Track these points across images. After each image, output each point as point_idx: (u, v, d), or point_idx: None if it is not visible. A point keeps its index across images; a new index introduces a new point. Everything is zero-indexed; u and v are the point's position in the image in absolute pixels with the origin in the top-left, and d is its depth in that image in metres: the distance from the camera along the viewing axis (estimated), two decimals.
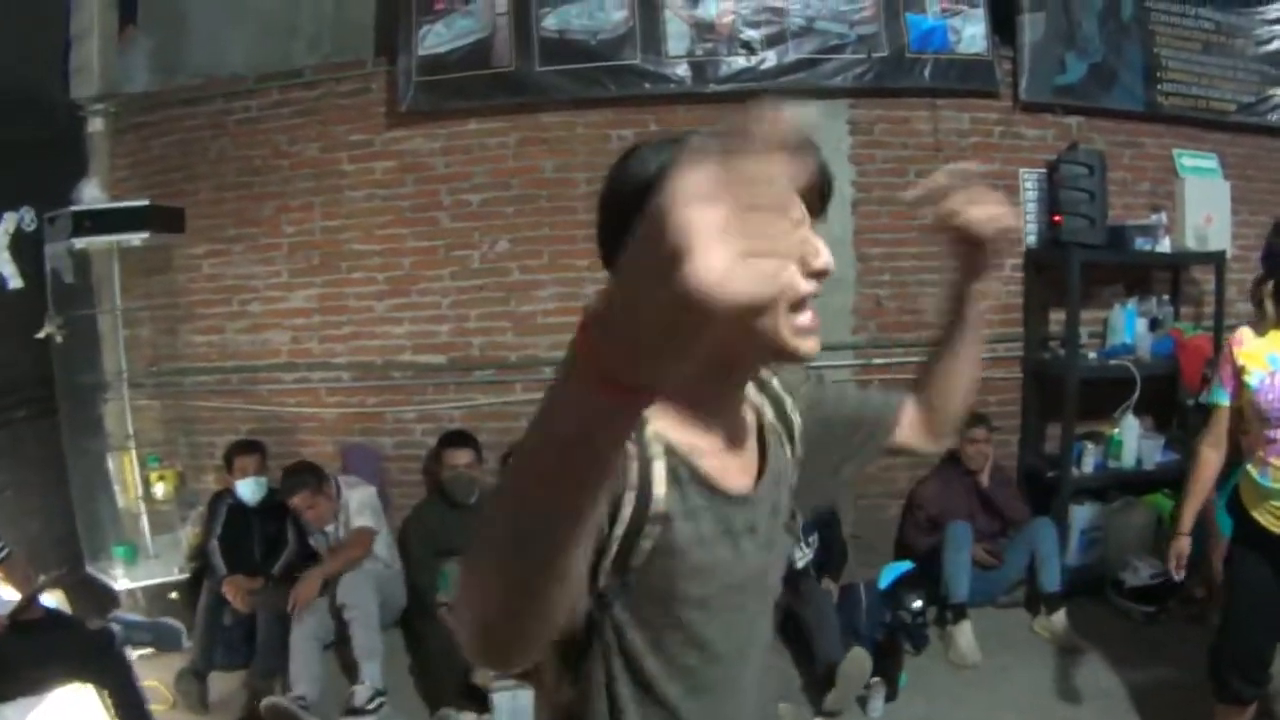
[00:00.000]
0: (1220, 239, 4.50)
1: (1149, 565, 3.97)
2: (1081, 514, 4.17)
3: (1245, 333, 2.56)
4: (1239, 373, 2.52)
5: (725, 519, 0.92)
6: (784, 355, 0.88)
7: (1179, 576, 2.76)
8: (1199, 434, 2.71)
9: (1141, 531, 4.21)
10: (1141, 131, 4.49)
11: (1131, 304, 4.28)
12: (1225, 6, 4.81)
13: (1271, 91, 4.94)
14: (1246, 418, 2.55)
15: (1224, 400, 2.58)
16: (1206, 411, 2.70)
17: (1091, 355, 4.16)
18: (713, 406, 0.94)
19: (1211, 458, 2.63)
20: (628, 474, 0.85)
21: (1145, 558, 4.04)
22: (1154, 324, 4.33)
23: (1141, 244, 4.11)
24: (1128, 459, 4.19)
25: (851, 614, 3.55)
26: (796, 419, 1.08)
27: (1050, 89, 4.18)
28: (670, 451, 0.89)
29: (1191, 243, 4.40)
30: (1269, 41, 4.97)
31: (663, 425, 0.89)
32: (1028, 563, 3.86)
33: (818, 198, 0.92)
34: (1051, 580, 3.77)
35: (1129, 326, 4.23)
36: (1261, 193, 4.92)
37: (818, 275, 0.86)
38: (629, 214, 0.80)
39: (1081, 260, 3.96)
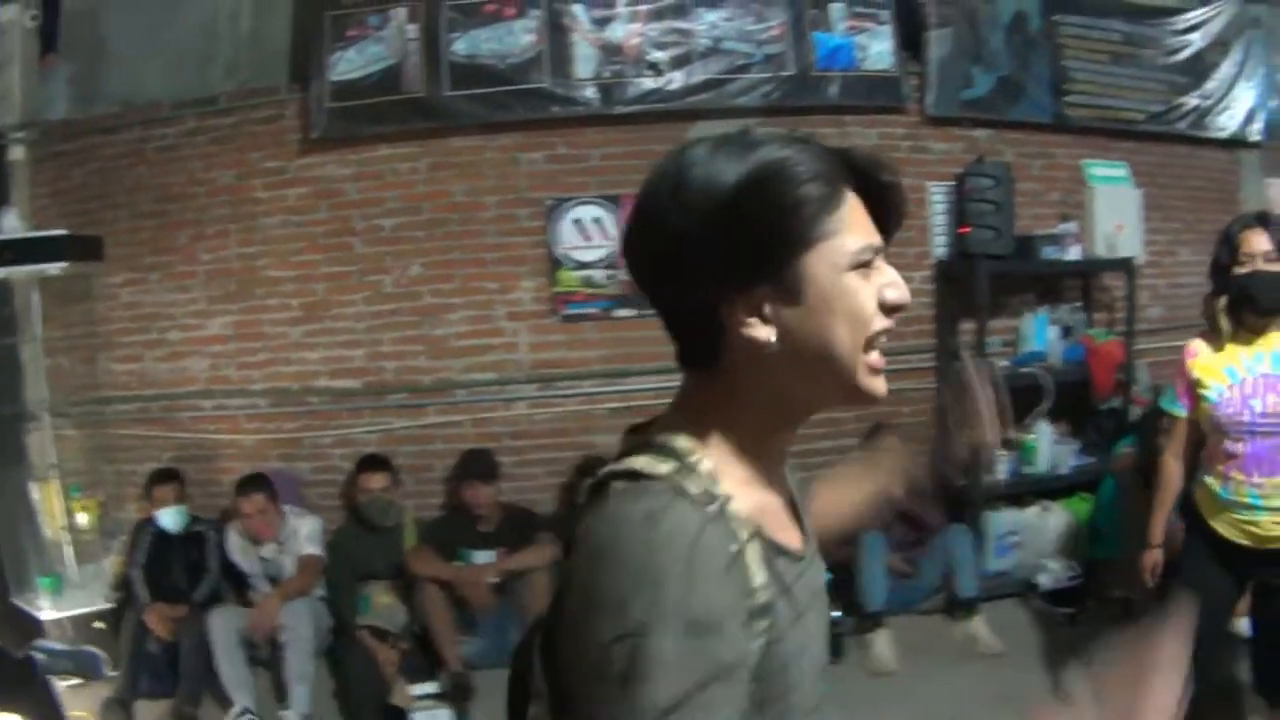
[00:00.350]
0: (1131, 246, 4.53)
1: (1066, 568, 4.06)
2: (998, 520, 4.19)
3: (1199, 345, 2.56)
4: (1194, 386, 2.53)
5: (803, 584, 0.84)
6: (856, 396, 0.82)
7: (1152, 581, 2.75)
8: (1163, 443, 2.71)
9: (1058, 535, 4.26)
10: (1051, 142, 4.54)
11: (1043, 312, 4.33)
12: (1134, 18, 4.87)
13: (1180, 100, 5.00)
14: (1205, 430, 2.56)
15: (1180, 411, 2.59)
16: (1164, 420, 2.71)
17: (1003, 363, 4.18)
18: (773, 455, 0.87)
19: (1175, 469, 2.65)
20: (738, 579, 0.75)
21: (1062, 561, 4.12)
22: (1066, 331, 4.38)
23: (1050, 253, 4.15)
24: (1042, 464, 4.24)
25: None
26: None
27: (958, 103, 4.22)
28: (758, 532, 0.79)
29: (1102, 250, 4.43)
30: (1178, 51, 5.03)
31: (735, 491, 0.79)
32: (945, 570, 3.89)
33: (892, 222, 0.86)
34: (968, 586, 3.81)
35: (1040, 334, 4.27)
36: (1173, 199, 4.99)
37: (894, 310, 0.82)
38: (715, 226, 0.77)
39: (989, 271, 4.00)
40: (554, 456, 4.04)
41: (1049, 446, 4.22)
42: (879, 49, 4.07)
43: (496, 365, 4.09)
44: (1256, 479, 2.45)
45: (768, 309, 0.77)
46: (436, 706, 3.49)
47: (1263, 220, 2.45)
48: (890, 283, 0.81)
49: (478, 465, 3.79)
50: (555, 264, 4.06)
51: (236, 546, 3.84)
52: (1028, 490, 4.28)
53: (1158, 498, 2.70)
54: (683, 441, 0.80)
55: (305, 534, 3.85)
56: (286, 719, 3.45)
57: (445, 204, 4.07)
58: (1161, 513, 2.69)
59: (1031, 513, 4.28)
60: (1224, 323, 2.49)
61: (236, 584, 3.89)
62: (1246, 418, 2.43)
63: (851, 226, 0.78)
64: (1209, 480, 2.55)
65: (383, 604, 3.76)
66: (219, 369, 4.31)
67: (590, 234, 4.04)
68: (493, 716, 3.83)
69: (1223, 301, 2.48)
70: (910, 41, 4.18)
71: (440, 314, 4.09)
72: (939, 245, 4.26)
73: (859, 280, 0.79)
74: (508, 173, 3.99)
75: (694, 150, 0.80)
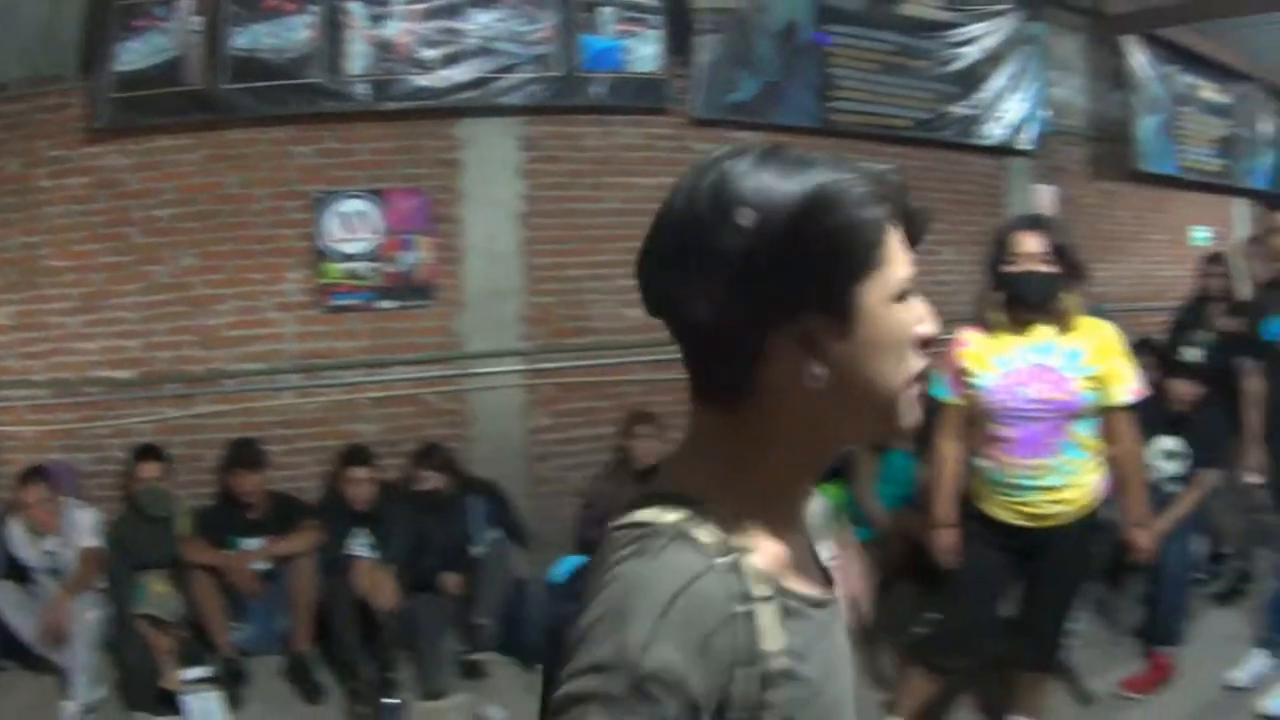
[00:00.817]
0: None
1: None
2: None
3: (969, 335, 2.70)
4: (963, 374, 2.67)
5: (829, 638, 0.77)
6: (895, 432, 0.77)
7: (949, 562, 2.83)
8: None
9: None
10: (817, 145, 4.72)
11: None
12: (908, 31, 5.21)
13: (949, 109, 5.36)
14: (975, 416, 2.70)
15: (947, 396, 2.72)
16: (939, 406, 2.79)
17: None
18: (798, 497, 0.81)
19: (950, 450, 2.76)
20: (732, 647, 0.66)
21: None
22: None
23: None
24: None
25: (520, 606, 3.71)
26: None
27: (722, 106, 4.46)
28: (780, 588, 0.71)
29: None
30: (951, 63, 5.40)
31: (756, 541, 0.72)
32: None
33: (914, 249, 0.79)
34: None
35: None
36: (939, 202, 5.30)
37: (928, 345, 0.75)
38: (770, 247, 0.68)
39: None
40: (320, 445, 4.11)
41: None
42: (646, 52, 4.27)
43: (264, 355, 4.14)
44: (1027, 461, 2.62)
45: (817, 340, 0.70)
46: (207, 690, 3.50)
47: (1035, 223, 2.64)
48: (922, 316, 0.75)
49: (245, 454, 3.82)
50: (321, 256, 4.13)
51: (19, 539, 3.78)
52: None
53: (939, 479, 2.80)
54: (697, 485, 0.73)
55: (85, 526, 3.82)
56: (68, 710, 3.42)
57: (218, 196, 4.10)
58: (944, 493, 2.79)
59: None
60: (996, 316, 2.65)
61: (19, 577, 3.79)
62: (1016, 403, 2.60)
63: (896, 255, 0.72)
64: (982, 465, 2.71)
65: (158, 593, 3.76)
66: (1, 360, 4.24)
67: (356, 227, 4.11)
68: (263, 700, 3.89)
69: (995, 297, 2.65)
70: (681, 46, 4.39)
71: (211, 304, 4.12)
72: None
73: (904, 312, 0.73)
74: (279, 165, 4.06)
75: (734, 163, 0.73)
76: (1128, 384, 2.64)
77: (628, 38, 4.23)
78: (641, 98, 4.27)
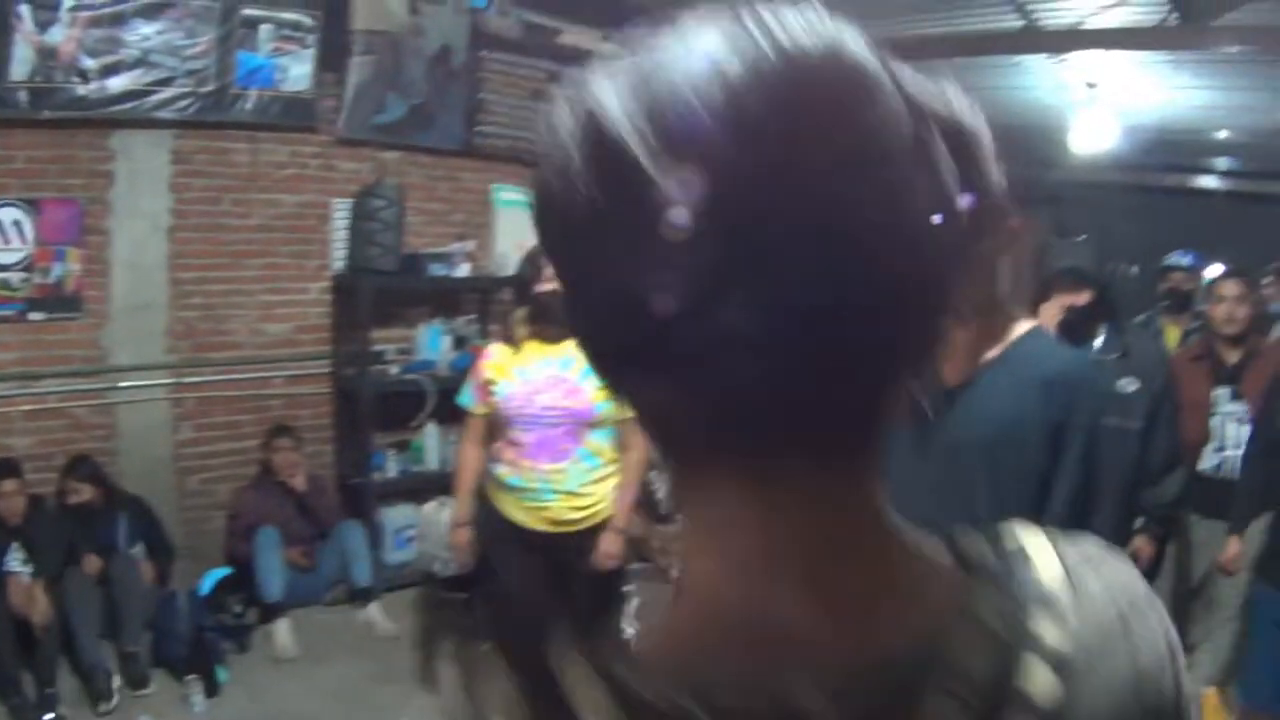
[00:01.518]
0: None
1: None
2: (394, 515, 6.44)
3: (495, 348, 3.92)
4: (487, 384, 3.84)
5: None
6: None
7: (462, 567, 4.14)
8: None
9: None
10: (463, 167, 6.99)
11: (438, 323, 6.71)
12: (564, 59, 7.21)
13: None
14: (497, 424, 3.87)
15: (471, 405, 3.96)
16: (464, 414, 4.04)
17: (394, 370, 6.45)
18: None
19: (470, 455, 3.99)
20: None
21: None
22: (459, 341, 6.80)
23: (437, 269, 6.52)
24: (431, 462, 6.61)
25: (169, 618, 5.14)
26: None
27: (369, 126, 6.36)
28: None
29: (501, 268, 7.02)
30: None
31: None
32: (342, 563, 5.79)
33: None
34: (362, 576, 5.70)
35: (434, 344, 6.65)
36: None
37: None
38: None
39: (378, 285, 6.20)
40: None
41: (437, 446, 6.63)
42: (299, 71, 6.00)
43: None
44: (544, 465, 3.77)
45: None
46: None
47: None
48: None
49: None
50: None
51: None
52: (422, 487, 6.52)
53: (460, 482, 4.05)
54: None
55: None
56: None
57: None
58: (463, 495, 4.02)
59: (429, 508, 6.27)
60: (522, 331, 3.85)
61: None
62: (532, 409, 3.76)
63: None
64: (501, 471, 3.84)
65: None
66: None
67: (9, 237, 5.29)
68: None
69: (522, 313, 3.87)
70: (335, 65, 6.16)
71: None
72: (338, 259, 6.40)
73: None
74: None
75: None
76: None
77: (283, 55, 5.92)
78: (291, 115, 6.01)
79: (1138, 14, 7.46)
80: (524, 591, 3.93)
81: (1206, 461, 4.72)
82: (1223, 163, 14.44)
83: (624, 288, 0.53)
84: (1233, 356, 4.88)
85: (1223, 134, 11.69)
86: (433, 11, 6.52)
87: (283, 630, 5.43)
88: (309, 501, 5.91)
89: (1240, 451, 4.44)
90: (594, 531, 3.96)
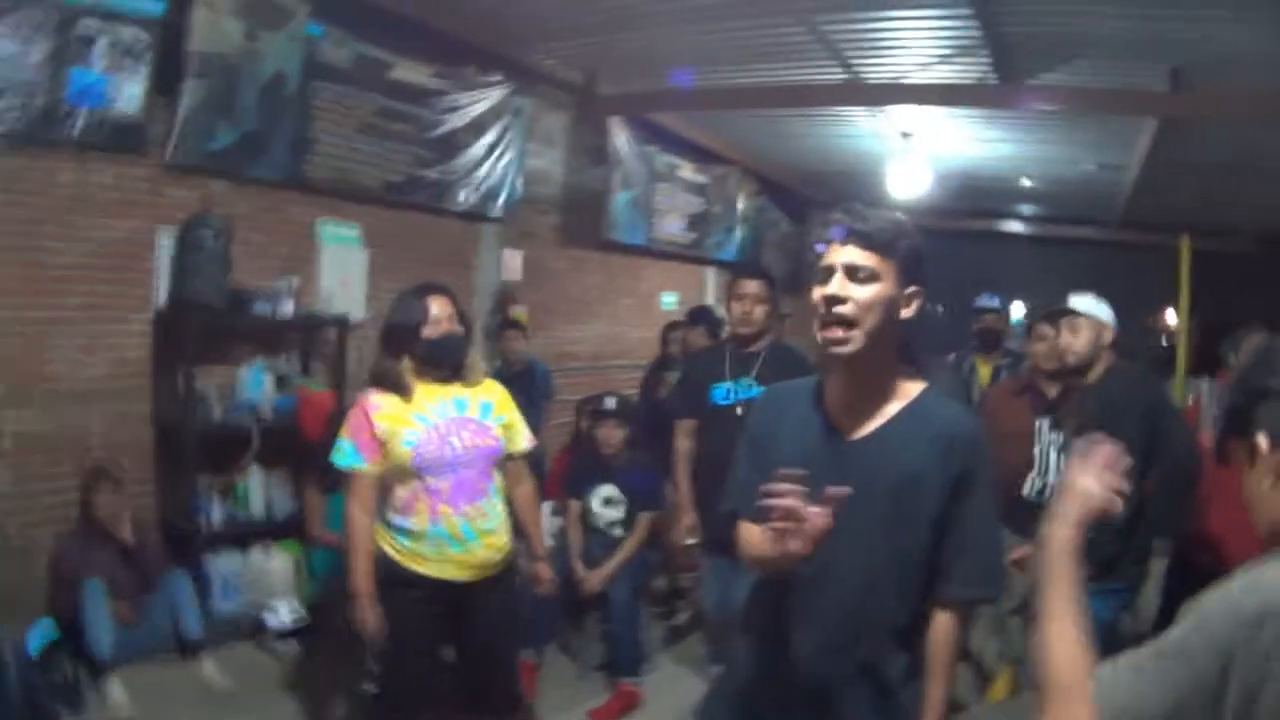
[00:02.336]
0: (354, 303, 7.36)
1: (290, 606, 6.25)
2: (220, 563, 6.36)
3: (379, 399, 3.91)
4: (388, 436, 3.84)
5: None
6: None
7: (368, 633, 3.97)
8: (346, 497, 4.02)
9: (284, 575, 6.54)
10: (290, 200, 7.09)
11: (260, 362, 6.75)
12: (395, 94, 7.68)
13: (423, 173, 8.00)
14: (397, 477, 3.91)
15: (362, 465, 3.90)
16: (346, 476, 4.00)
17: (218, 411, 6.45)
18: None
19: (362, 519, 3.93)
20: None
21: (288, 599, 6.32)
22: (282, 381, 6.86)
23: (262, 307, 6.56)
24: (257, 508, 6.62)
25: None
26: None
27: (199, 153, 6.36)
28: None
29: (325, 306, 7.13)
30: (432, 128, 8.03)
31: None
32: (171, 614, 5.74)
33: None
34: (192, 628, 5.60)
35: (256, 384, 6.67)
36: (406, 262, 7.90)
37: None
38: None
39: (202, 321, 6.20)
40: None
41: (262, 490, 6.63)
42: (131, 92, 5.93)
43: None
44: (464, 507, 3.89)
45: None
46: None
47: (443, 289, 4.05)
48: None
49: None
50: None
51: None
52: (246, 533, 6.55)
53: (355, 550, 3.94)
54: None
55: None
56: None
57: None
58: (360, 560, 3.92)
59: (255, 555, 6.40)
60: (411, 379, 3.93)
61: None
62: (448, 454, 3.85)
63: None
64: (411, 524, 3.90)
65: None
66: None
67: None
68: None
69: (407, 363, 3.94)
70: (168, 88, 6.12)
71: None
72: (161, 293, 6.31)
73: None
74: None
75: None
76: (524, 433, 4.25)
77: (116, 73, 5.84)
78: (121, 138, 5.95)
79: (958, 72, 7.97)
80: (422, 651, 4.10)
81: (1029, 487, 5.31)
82: (1026, 209, 15.72)
83: None
84: (1052, 390, 5.54)
85: (1026, 182, 12.70)
86: (269, 37, 6.64)
87: (116, 689, 5.29)
88: (134, 552, 5.75)
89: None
90: (502, 571, 4.16)
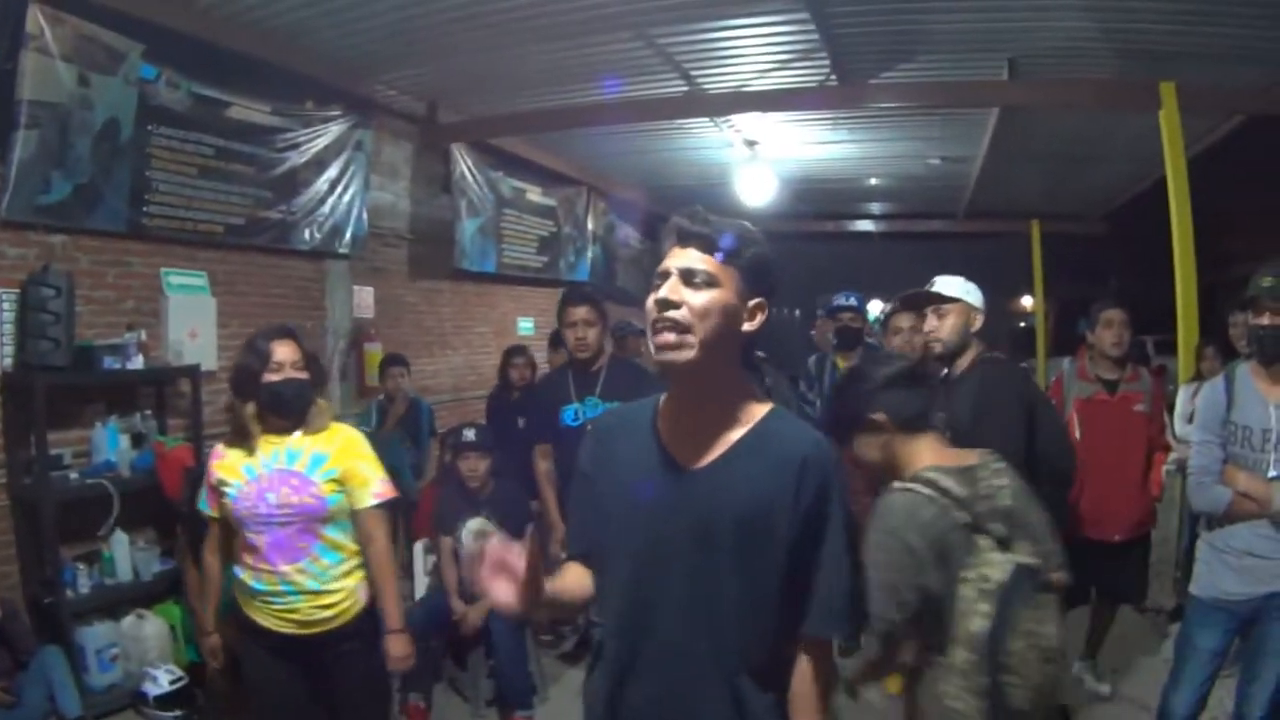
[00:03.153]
0: (205, 353, 7.23)
1: (169, 672, 6.06)
2: (93, 634, 6.15)
3: (222, 448, 3.99)
4: (219, 486, 3.91)
5: None
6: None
7: (217, 665, 4.32)
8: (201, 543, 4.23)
9: (160, 641, 6.38)
10: (131, 250, 6.94)
11: (114, 421, 6.59)
12: (232, 134, 7.57)
13: (265, 214, 7.87)
14: (232, 526, 3.95)
15: (208, 511, 4.04)
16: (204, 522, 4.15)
17: (74, 475, 6.27)
18: None
19: (209, 561, 4.16)
20: None
21: (165, 666, 6.14)
22: (138, 439, 6.71)
23: (111, 363, 6.41)
24: (124, 573, 6.43)
25: None
26: None
27: (33, 208, 6.18)
28: None
29: (175, 357, 7.00)
30: (273, 167, 7.93)
31: None
32: (48, 692, 5.58)
33: None
34: (70, 706, 5.50)
35: (112, 443, 6.51)
36: (254, 307, 7.83)
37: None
38: None
39: (49, 382, 6.02)
40: None
41: (128, 555, 6.45)
42: None
43: None
44: (281, 566, 3.82)
45: None
46: None
47: (289, 332, 3.98)
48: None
49: None
50: None
51: None
52: (117, 600, 6.38)
53: (204, 591, 4.27)
54: None
55: None
56: None
57: None
58: (211, 603, 4.23)
59: (128, 623, 6.27)
60: (254, 426, 3.91)
61: None
62: (263, 510, 3.80)
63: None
64: (242, 576, 3.92)
65: None
66: None
67: None
68: None
69: (251, 408, 3.91)
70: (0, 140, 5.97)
71: None
72: (5, 355, 6.11)
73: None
74: None
75: None
76: (372, 486, 3.99)
77: None
78: None
79: (798, 76, 8.14)
80: (278, 704, 4.03)
81: None
82: (875, 207, 16.11)
83: None
84: None
85: (874, 181, 13.04)
86: (102, 83, 6.51)
87: None
88: (2, 630, 5.61)
89: None
90: (347, 629, 4.01)
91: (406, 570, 6.60)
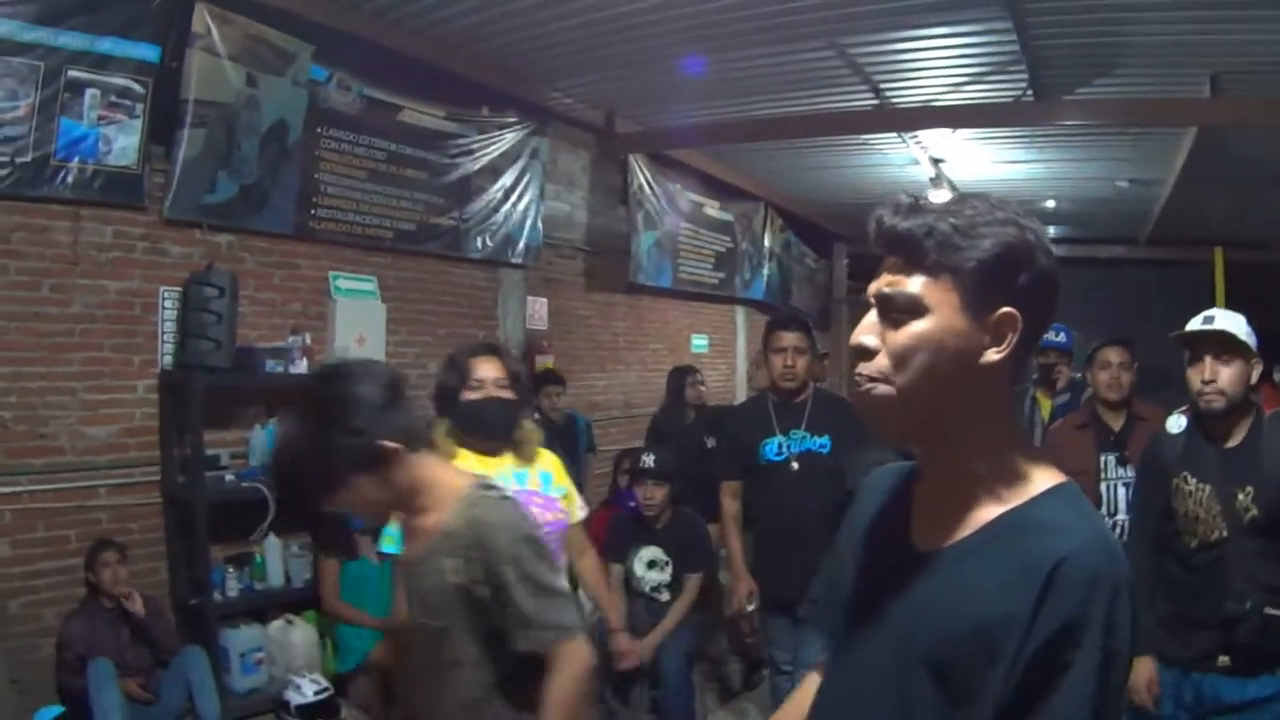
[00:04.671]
0: (374, 358, 7.02)
1: (314, 682, 5.86)
2: (238, 637, 6.07)
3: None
4: None
5: None
6: None
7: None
8: None
9: (307, 649, 6.25)
10: (299, 253, 6.83)
11: (273, 424, 6.35)
12: (404, 139, 7.43)
13: (437, 220, 7.73)
14: None
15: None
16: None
17: (230, 477, 6.17)
18: None
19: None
20: None
21: (311, 675, 5.94)
22: None
23: (273, 366, 6.30)
24: (275, 578, 6.32)
25: None
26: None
27: (198, 207, 6.12)
28: None
29: None
30: (445, 173, 7.79)
31: None
32: (187, 693, 5.48)
33: None
34: (209, 707, 5.33)
35: (270, 447, 6.35)
36: (424, 314, 7.67)
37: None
38: None
39: (209, 383, 5.92)
40: None
41: (280, 560, 6.34)
42: (125, 143, 5.74)
43: None
44: None
45: None
46: None
47: (493, 349, 3.76)
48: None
49: None
50: None
51: None
52: (265, 605, 6.29)
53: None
54: None
55: None
56: None
57: None
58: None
59: (275, 628, 6.17)
60: (447, 446, 3.54)
61: None
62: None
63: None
64: None
65: None
66: None
67: None
68: None
69: (445, 426, 3.63)
70: (164, 138, 5.92)
71: None
72: (166, 354, 6.08)
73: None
74: None
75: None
76: (580, 500, 4.01)
77: (108, 125, 5.64)
78: (115, 192, 5.73)
79: (993, 91, 7.69)
80: None
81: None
82: (1052, 230, 15.44)
83: None
84: (1116, 422, 5.12)
85: (1050, 203, 12.45)
86: (270, 84, 6.41)
87: None
88: (145, 627, 5.48)
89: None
90: None
91: None
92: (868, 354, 1.48)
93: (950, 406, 1.48)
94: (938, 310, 1.44)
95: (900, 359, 1.46)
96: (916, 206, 1.47)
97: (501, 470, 3.62)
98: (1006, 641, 1.35)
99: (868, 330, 1.49)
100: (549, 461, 3.91)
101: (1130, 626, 1.34)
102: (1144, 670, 3.71)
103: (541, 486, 3.76)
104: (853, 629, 1.61)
